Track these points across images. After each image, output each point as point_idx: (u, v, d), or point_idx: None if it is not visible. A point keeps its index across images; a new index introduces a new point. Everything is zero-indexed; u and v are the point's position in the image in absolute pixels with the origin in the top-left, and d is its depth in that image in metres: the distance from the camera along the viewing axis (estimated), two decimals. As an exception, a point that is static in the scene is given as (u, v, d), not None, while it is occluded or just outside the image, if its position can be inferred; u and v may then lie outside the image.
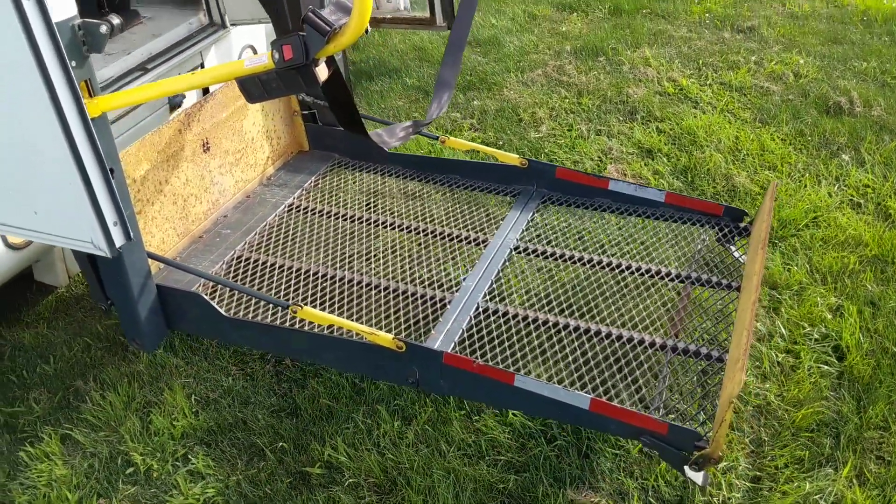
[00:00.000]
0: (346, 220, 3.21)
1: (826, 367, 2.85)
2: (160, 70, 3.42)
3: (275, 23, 3.17)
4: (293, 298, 2.75)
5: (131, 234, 2.16)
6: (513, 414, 2.69)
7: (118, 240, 2.14)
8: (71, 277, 3.41)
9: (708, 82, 4.81)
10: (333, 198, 3.34)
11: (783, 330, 3.02)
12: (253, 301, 2.72)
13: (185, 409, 2.81)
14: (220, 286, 2.78)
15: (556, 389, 2.22)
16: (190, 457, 2.66)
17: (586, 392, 2.25)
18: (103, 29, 2.01)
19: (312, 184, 3.41)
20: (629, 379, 2.50)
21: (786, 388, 2.78)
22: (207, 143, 3.10)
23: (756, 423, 2.67)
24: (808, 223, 3.57)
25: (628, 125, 4.39)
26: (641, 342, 2.55)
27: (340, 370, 2.90)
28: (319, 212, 3.26)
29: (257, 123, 3.37)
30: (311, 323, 2.52)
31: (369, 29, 5.67)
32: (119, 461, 2.67)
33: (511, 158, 3.23)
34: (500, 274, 2.86)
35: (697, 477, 2.13)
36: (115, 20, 2.09)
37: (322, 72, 2.34)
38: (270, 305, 2.65)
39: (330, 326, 2.45)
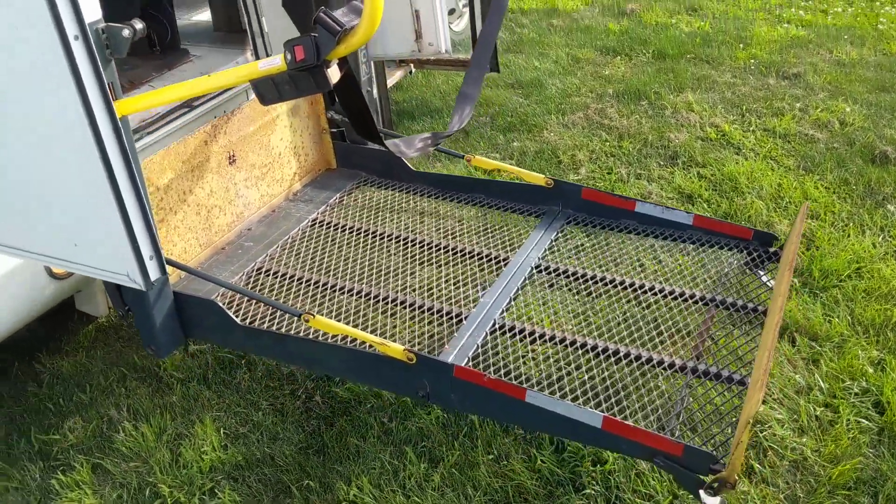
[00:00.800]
0: (367, 235, 3.20)
1: (866, 422, 2.78)
2: (206, 107, 3.50)
3: (298, 27, 3.19)
4: (309, 309, 2.74)
5: (165, 268, 2.20)
6: (541, 460, 2.65)
7: (153, 273, 2.18)
8: (110, 308, 3.47)
9: (751, 128, 4.77)
10: (357, 214, 3.34)
11: (822, 383, 2.95)
12: (269, 312, 2.72)
13: (215, 443, 2.83)
14: (238, 297, 2.78)
15: (569, 406, 2.16)
16: (217, 491, 2.67)
17: (601, 411, 2.19)
18: (126, 33, 2.05)
19: (337, 200, 3.42)
20: (646, 399, 2.44)
21: (823, 444, 2.71)
22: (234, 155, 3.13)
23: (791, 479, 2.60)
24: (851, 274, 3.50)
25: (669, 170, 4.36)
26: (661, 363, 2.48)
27: (351, 381, 2.87)
28: (342, 227, 3.26)
29: (285, 139, 3.40)
30: (325, 334, 2.51)
31: (413, 69, 5.72)
32: (147, 492, 2.69)
33: (537, 178, 3.20)
34: (519, 291, 2.82)
35: (713, 502, 2.05)
36: (138, 25, 2.13)
37: (334, 74, 2.35)
38: (287, 316, 2.64)
39: (343, 337, 2.43)
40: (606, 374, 2.51)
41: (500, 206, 3.31)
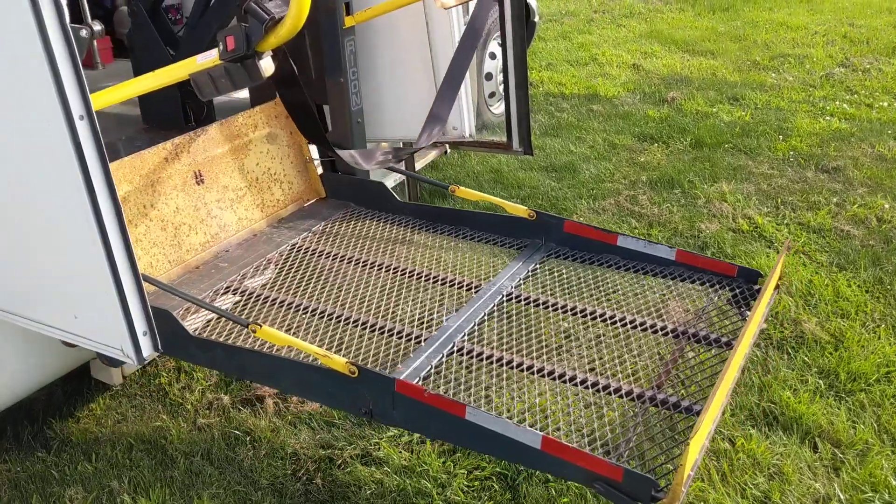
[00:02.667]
0: (343, 261, 3.17)
1: (886, 539, 2.63)
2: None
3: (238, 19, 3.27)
4: (271, 326, 2.62)
5: (159, 345, 2.21)
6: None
7: (146, 350, 2.19)
8: (125, 377, 3.50)
9: (785, 222, 4.69)
10: (337, 241, 3.32)
11: (841, 494, 2.81)
12: (229, 328, 2.67)
13: (209, 522, 2.79)
14: (208, 314, 2.73)
15: (507, 425, 2.06)
16: (205, 573, 2.62)
17: (548, 434, 2.07)
18: (83, 33, 2.07)
19: (321, 228, 3.40)
20: (596, 425, 2.31)
21: (839, 560, 2.56)
22: (201, 175, 3.14)
23: None
24: (880, 378, 3.37)
25: (697, 261, 4.29)
26: (618, 390, 2.38)
27: (300, 397, 2.80)
28: (320, 252, 3.24)
29: (262, 165, 3.41)
30: (277, 347, 2.47)
31: (448, 149, 5.79)
32: (136, 570, 2.66)
33: (519, 210, 3.18)
34: (485, 317, 2.75)
35: None
36: (97, 27, 2.16)
37: (268, 66, 2.36)
38: (244, 332, 2.59)
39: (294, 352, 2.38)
40: (560, 399, 2.40)
41: (484, 238, 3.29)
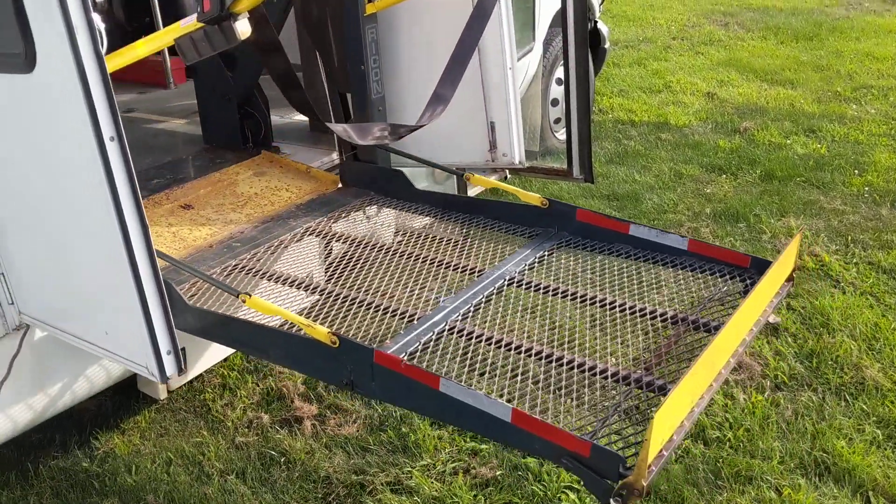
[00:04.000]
0: (352, 243, 3.17)
1: None
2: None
3: None
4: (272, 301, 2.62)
5: (183, 365, 2.23)
6: None
7: (170, 369, 2.21)
8: (170, 392, 3.56)
9: (854, 260, 4.49)
10: (350, 226, 3.33)
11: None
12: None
13: (236, 542, 2.80)
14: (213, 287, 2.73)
15: (479, 397, 2.01)
16: None
17: (528, 411, 2.02)
18: None
19: (337, 214, 3.41)
20: (575, 403, 2.23)
21: None
22: (189, 205, 3.27)
23: None
24: (945, 431, 3.17)
25: (756, 298, 4.14)
26: (604, 371, 2.29)
27: (288, 368, 2.83)
28: (329, 235, 3.24)
29: (255, 186, 3.48)
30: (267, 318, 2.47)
31: (508, 175, 5.76)
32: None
33: (533, 198, 3.14)
34: (483, 300, 2.69)
35: None
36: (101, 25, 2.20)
37: (243, 28, 2.41)
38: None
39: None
40: (544, 378, 2.31)
41: (497, 226, 3.25)
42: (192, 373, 3.37)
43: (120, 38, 5.82)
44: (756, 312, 2.47)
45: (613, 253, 2.97)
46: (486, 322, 2.61)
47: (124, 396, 3.63)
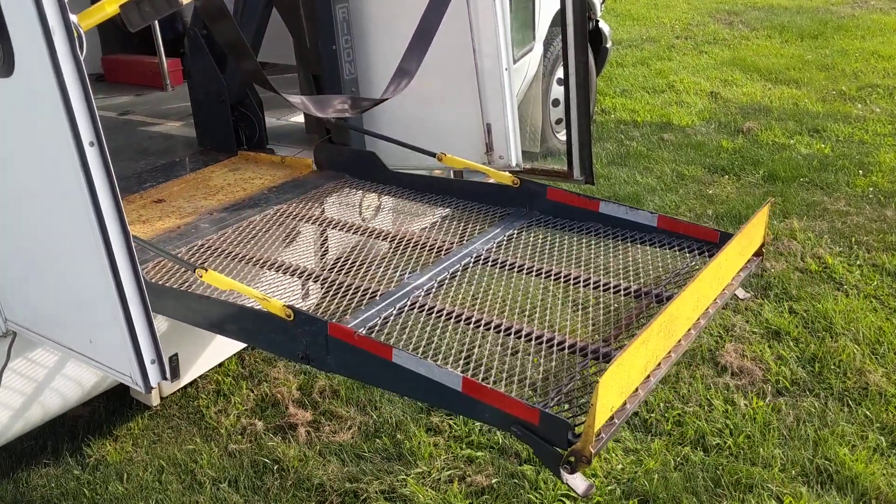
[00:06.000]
0: (317, 223, 3.16)
1: None
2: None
3: None
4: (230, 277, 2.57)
5: (167, 374, 2.19)
6: None
7: (154, 378, 2.16)
8: (163, 398, 3.51)
9: (857, 263, 4.42)
10: (320, 207, 3.29)
11: (895, 565, 2.59)
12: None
13: (226, 553, 2.76)
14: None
15: (431, 367, 1.99)
16: None
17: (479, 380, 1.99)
18: None
19: (309, 196, 3.38)
20: (530, 373, 2.18)
21: None
22: (161, 200, 3.25)
23: None
24: (950, 438, 3.11)
25: (758, 301, 4.08)
26: (561, 343, 2.26)
27: (245, 342, 2.82)
28: (298, 216, 3.21)
29: (228, 178, 3.49)
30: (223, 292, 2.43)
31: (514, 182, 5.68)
32: None
33: (504, 178, 3.13)
34: (448, 277, 2.66)
35: (576, 483, 1.80)
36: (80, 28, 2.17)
37: None
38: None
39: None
40: (501, 350, 2.30)
41: (469, 206, 3.23)
42: (186, 378, 3.33)
43: (117, 40, 5.82)
44: (720, 285, 2.44)
45: (584, 231, 2.95)
46: (448, 299, 2.57)
47: (118, 402, 3.59)
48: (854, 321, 3.87)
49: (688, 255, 2.74)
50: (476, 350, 2.31)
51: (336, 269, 2.79)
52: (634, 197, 5.40)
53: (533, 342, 2.31)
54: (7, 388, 2.81)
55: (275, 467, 3.17)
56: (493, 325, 2.39)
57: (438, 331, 2.39)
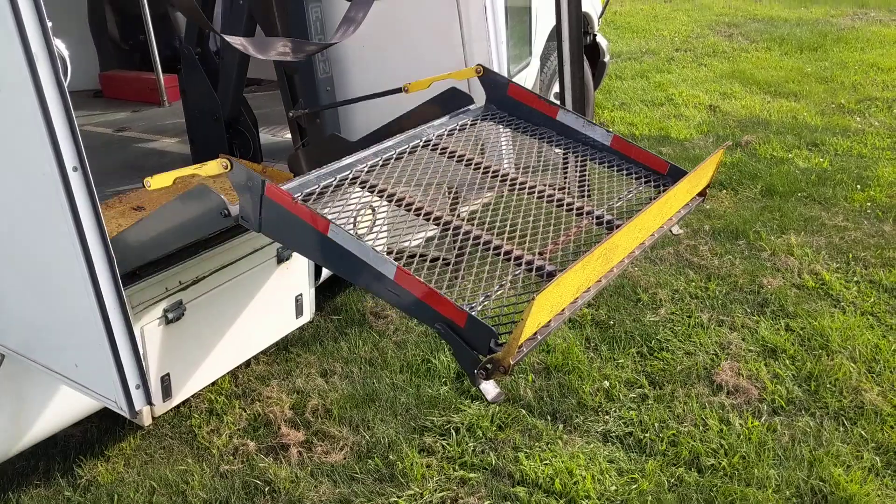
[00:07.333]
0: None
1: None
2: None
3: None
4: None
5: (152, 399, 2.18)
6: None
7: (138, 403, 2.16)
8: (155, 418, 3.49)
9: (855, 279, 4.40)
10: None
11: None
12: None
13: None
14: None
15: (366, 251, 1.99)
16: None
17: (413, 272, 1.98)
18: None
19: None
20: (463, 273, 2.21)
21: None
22: (141, 206, 3.25)
23: None
24: (946, 458, 3.09)
25: (755, 318, 4.06)
26: (498, 248, 2.25)
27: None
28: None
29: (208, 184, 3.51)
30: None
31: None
32: None
33: (468, 72, 3.06)
34: (394, 156, 2.64)
35: (488, 388, 1.83)
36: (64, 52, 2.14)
37: None
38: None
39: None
40: (437, 243, 2.31)
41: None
42: (179, 397, 3.31)
43: (115, 56, 5.83)
44: (661, 219, 2.46)
45: (537, 135, 2.92)
46: (390, 179, 2.54)
47: (110, 421, 3.57)
48: (850, 338, 3.85)
49: (634, 181, 2.73)
50: (411, 240, 2.29)
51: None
52: (629, 210, 5.38)
53: (470, 240, 2.31)
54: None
55: (266, 489, 3.15)
56: (432, 216, 2.38)
57: (373, 209, 2.41)
